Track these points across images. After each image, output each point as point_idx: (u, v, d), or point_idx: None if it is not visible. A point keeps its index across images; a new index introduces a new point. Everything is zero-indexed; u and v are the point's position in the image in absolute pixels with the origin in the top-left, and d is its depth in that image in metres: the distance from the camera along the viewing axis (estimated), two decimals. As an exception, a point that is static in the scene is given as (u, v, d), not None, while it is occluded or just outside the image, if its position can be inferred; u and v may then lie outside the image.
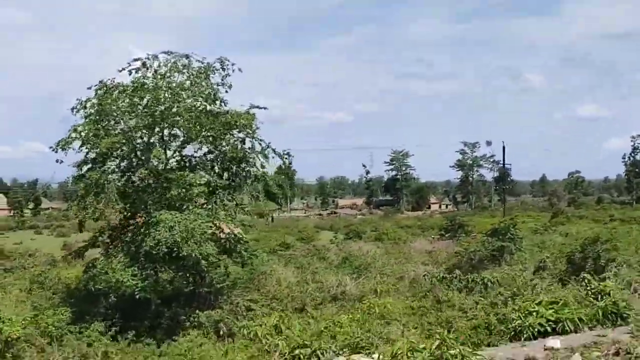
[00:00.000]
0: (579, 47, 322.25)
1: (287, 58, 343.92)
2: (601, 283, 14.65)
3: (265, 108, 25.50)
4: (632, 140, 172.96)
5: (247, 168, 25.67)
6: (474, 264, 31.22)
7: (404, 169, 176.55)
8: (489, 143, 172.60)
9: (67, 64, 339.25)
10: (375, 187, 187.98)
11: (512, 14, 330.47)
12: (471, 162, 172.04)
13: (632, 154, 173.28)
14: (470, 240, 45.48)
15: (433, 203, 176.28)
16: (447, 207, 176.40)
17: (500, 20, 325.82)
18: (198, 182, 22.88)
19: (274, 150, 25.62)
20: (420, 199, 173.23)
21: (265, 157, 25.19)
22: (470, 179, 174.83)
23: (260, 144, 25.12)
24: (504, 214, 72.71)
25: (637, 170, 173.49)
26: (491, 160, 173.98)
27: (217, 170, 25.81)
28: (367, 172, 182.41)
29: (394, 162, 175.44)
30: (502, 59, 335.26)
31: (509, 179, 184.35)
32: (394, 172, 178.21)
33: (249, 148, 24.92)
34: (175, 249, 21.34)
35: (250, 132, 24.62)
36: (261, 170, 25.33)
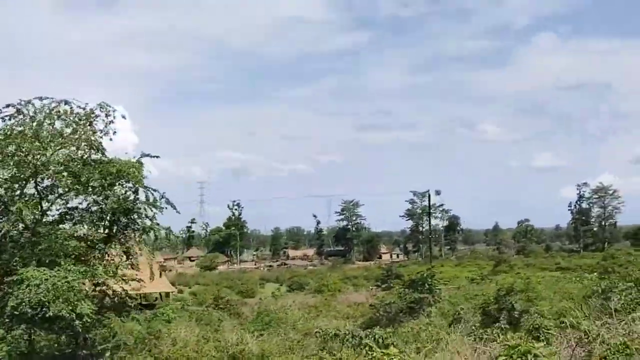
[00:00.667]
0: (533, 98, 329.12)
1: (249, 110, 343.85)
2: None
3: (157, 156, 24.22)
4: (577, 189, 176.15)
5: (138, 219, 24.02)
6: (391, 317, 29.96)
7: (354, 218, 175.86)
8: (438, 192, 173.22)
9: None
10: (326, 238, 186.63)
11: (468, 66, 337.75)
12: (420, 211, 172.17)
13: (578, 202, 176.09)
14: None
15: (384, 253, 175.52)
16: (397, 256, 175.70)
17: (456, 72, 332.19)
18: (72, 235, 21.18)
19: (167, 201, 24.19)
20: (371, 249, 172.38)
21: (156, 207, 23.66)
22: (421, 228, 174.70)
23: (151, 194, 23.70)
24: (431, 262, 72.25)
25: (583, 218, 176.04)
26: (440, 209, 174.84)
27: (105, 223, 24.09)
28: (318, 222, 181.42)
29: (345, 212, 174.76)
30: (458, 110, 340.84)
31: (458, 228, 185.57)
32: (344, 222, 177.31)
33: (136, 199, 23.35)
34: (42, 309, 19.51)
35: (138, 181, 23.11)
36: (150, 222, 23.61)
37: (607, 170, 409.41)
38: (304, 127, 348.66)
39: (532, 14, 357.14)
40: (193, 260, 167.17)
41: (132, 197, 23.61)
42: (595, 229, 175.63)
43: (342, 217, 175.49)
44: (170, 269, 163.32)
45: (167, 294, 59.46)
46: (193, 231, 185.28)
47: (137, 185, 23.46)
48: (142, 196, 23.96)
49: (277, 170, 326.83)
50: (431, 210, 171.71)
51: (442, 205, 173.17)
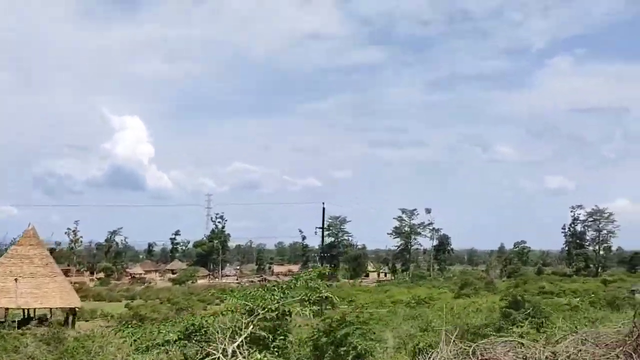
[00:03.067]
0: (547, 120, 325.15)
1: (265, 122, 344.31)
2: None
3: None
4: (571, 211, 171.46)
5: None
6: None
7: (340, 235, 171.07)
8: (428, 211, 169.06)
9: (41, 126, 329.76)
10: (311, 254, 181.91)
11: (484, 86, 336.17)
12: (408, 229, 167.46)
13: (572, 225, 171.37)
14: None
15: (371, 271, 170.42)
16: (385, 275, 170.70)
17: (471, 91, 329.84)
18: None
19: None
20: (358, 267, 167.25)
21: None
22: (410, 247, 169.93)
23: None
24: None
25: (577, 241, 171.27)
26: (430, 228, 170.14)
27: None
28: (304, 238, 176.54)
29: (331, 228, 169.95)
30: (471, 129, 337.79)
31: (449, 248, 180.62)
32: (331, 239, 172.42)
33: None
34: None
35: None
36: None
37: (621, 194, 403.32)
38: (317, 142, 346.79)
39: (550, 36, 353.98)
40: (175, 274, 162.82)
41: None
42: (589, 253, 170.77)
43: (328, 233, 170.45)
44: (150, 281, 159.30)
45: (73, 310, 53.97)
46: (177, 243, 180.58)
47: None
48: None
49: (289, 184, 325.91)
50: (419, 229, 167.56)
51: (431, 223, 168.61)
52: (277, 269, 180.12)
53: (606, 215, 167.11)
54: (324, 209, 68.60)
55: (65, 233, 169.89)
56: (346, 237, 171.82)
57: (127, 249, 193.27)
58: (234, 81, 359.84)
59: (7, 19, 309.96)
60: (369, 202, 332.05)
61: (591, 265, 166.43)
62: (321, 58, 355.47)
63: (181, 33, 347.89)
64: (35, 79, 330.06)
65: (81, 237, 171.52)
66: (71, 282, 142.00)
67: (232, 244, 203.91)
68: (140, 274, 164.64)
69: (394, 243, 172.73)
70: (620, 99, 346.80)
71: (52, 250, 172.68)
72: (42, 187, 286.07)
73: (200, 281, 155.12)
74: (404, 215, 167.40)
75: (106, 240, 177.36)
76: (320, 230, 69.45)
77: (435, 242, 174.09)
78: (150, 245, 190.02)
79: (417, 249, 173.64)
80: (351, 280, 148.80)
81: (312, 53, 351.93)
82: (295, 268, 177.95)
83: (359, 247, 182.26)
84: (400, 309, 46.49)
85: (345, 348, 15.01)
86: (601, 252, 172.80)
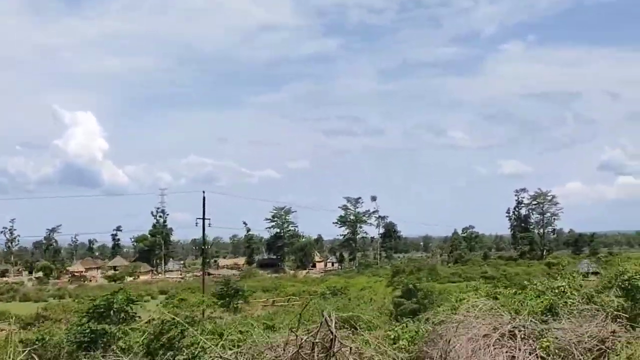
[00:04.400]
0: (500, 105, 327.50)
1: (219, 115, 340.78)
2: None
3: None
4: (515, 195, 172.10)
5: None
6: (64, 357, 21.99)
7: (286, 225, 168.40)
8: (373, 198, 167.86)
9: None
10: (256, 246, 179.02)
11: (437, 73, 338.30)
12: (354, 217, 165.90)
13: (516, 209, 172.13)
14: (247, 309, 37.35)
15: (318, 261, 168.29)
16: (333, 265, 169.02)
17: (423, 78, 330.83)
18: None
19: None
20: (304, 257, 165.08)
21: None
22: (356, 235, 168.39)
23: None
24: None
25: (522, 225, 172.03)
26: (376, 216, 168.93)
27: None
28: (248, 230, 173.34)
29: (276, 219, 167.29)
30: (425, 116, 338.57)
31: (396, 235, 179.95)
32: (276, 230, 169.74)
33: None
34: None
35: None
36: None
37: (573, 177, 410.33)
38: (273, 133, 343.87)
39: (500, 22, 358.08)
40: (117, 270, 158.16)
41: None
42: (534, 236, 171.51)
43: (274, 224, 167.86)
44: (90, 278, 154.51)
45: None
46: (118, 239, 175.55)
47: None
48: None
49: (246, 176, 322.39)
50: (365, 217, 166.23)
51: (376, 211, 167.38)
52: (222, 262, 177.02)
53: (549, 197, 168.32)
54: (204, 198, 64.60)
55: (1, 232, 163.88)
56: (291, 228, 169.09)
57: (76, 247, 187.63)
58: (187, 75, 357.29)
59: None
60: (325, 191, 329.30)
61: (536, 248, 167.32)
62: (274, 50, 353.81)
63: (131, 27, 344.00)
64: None
65: (18, 235, 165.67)
66: (7, 283, 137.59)
67: (187, 238, 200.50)
68: (81, 271, 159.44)
69: (340, 232, 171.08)
70: (571, 84, 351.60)
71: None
72: None
73: (142, 277, 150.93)
74: (348, 204, 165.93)
75: (45, 238, 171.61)
76: (201, 220, 64.70)
77: (381, 230, 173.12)
78: (90, 241, 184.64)
79: (362, 237, 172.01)
80: (293, 272, 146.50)
81: (264, 45, 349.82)
82: (240, 261, 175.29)
83: (314, 237, 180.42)
84: (304, 302, 44.15)
85: (173, 352, 12.90)
86: (552, 235, 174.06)
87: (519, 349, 9.52)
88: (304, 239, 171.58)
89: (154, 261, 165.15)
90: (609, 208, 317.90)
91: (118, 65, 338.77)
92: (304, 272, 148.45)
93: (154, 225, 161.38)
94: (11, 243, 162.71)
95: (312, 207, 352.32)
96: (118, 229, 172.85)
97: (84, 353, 20.28)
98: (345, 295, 50.55)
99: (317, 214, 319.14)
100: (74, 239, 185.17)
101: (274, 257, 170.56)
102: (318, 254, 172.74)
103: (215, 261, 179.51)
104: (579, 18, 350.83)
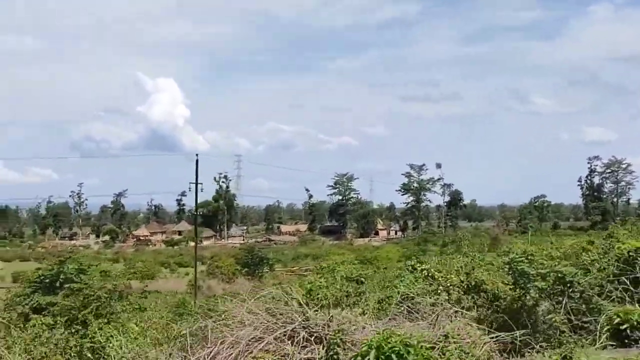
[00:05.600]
0: (585, 69, 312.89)
1: (296, 81, 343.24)
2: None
3: None
4: (588, 163, 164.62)
5: None
6: None
7: (348, 193, 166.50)
8: (438, 165, 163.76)
9: (71, 90, 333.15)
10: (319, 212, 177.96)
11: (518, 36, 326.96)
12: (417, 185, 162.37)
13: (589, 177, 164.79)
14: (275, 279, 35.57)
15: (381, 229, 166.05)
16: (396, 233, 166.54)
17: (505, 42, 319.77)
18: None
19: None
20: (367, 225, 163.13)
21: None
22: (420, 203, 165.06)
23: None
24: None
25: (594, 194, 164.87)
26: (441, 183, 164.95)
27: None
28: (310, 197, 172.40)
29: (338, 186, 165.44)
30: (507, 81, 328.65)
31: (461, 204, 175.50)
32: (339, 197, 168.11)
33: None
34: None
35: None
36: None
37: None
38: (349, 99, 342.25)
39: None
40: (181, 235, 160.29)
41: None
42: (607, 205, 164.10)
43: (335, 191, 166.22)
44: (155, 242, 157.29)
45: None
46: (184, 204, 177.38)
47: None
48: None
49: (323, 142, 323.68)
50: (428, 185, 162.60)
51: (440, 179, 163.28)
52: (285, 228, 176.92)
53: (624, 166, 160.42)
54: (197, 161, 61.80)
55: (70, 196, 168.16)
56: (354, 195, 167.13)
57: (151, 210, 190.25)
58: (265, 41, 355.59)
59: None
60: (402, 158, 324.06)
61: (609, 219, 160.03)
62: (351, 15, 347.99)
63: None
64: (65, 46, 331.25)
65: (86, 199, 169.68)
66: (75, 246, 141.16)
67: (257, 203, 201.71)
68: (146, 235, 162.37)
69: (401, 200, 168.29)
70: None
71: (55, 214, 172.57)
72: (80, 152, 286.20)
73: (205, 242, 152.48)
74: (412, 171, 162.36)
75: (112, 202, 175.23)
76: (195, 185, 61.75)
77: (447, 198, 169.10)
78: (156, 207, 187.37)
79: (426, 205, 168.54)
80: (351, 239, 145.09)
81: (342, 10, 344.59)
82: (303, 227, 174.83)
83: (386, 205, 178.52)
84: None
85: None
86: (627, 205, 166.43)
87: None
88: (367, 206, 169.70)
89: (217, 226, 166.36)
90: None
91: (198, 33, 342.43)
92: (365, 240, 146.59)
93: (216, 191, 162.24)
94: (79, 207, 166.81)
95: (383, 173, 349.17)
96: (183, 194, 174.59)
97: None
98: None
99: (392, 180, 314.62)
100: (149, 203, 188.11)
101: (337, 224, 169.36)
102: (381, 221, 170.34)
103: (278, 227, 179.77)
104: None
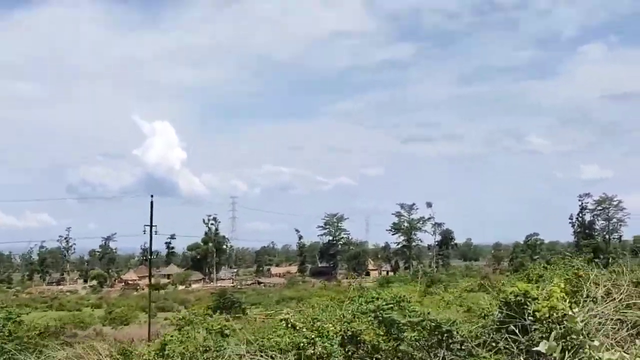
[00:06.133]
0: (579, 108, 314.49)
1: (293, 123, 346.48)
2: None
3: None
4: (579, 200, 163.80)
5: None
6: None
7: (338, 233, 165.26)
8: (429, 205, 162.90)
9: (69, 134, 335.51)
10: (311, 254, 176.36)
11: (513, 77, 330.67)
12: (408, 224, 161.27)
13: (580, 215, 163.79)
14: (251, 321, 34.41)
15: (372, 269, 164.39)
16: (387, 273, 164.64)
17: (502, 83, 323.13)
18: None
19: None
20: (357, 265, 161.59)
21: None
22: (411, 243, 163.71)
23: None
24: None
25: (586, 231, 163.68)
26: (432, 222, 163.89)
27: None
28: (300, 238, 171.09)
29: (328, 227, 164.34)
30: (505, 121, 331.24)
31: (452, 243, 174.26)
32: (329, 237, 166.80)
33: None
34: None
35: None
36: None
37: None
38: (348, 141, 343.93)
39: (580, 24, 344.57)
40: (170, 278, 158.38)
41: None
42: (600, 243, 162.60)
43: (325, 231, 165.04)
44: (143, 287, 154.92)
45: None
46: (172, 247, 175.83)
47: None
48: None
49: (321, 184, 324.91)
50: (419, 224, 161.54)
51: (431, 218, 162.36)
52: (275, 270, 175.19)
53: (615, 203, 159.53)
54: (152, 202, 60.69)
55: (58, 240, 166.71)
56: (344, 235, 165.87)
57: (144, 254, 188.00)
58: (261, 85, 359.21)
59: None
60: (400, 198, 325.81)
61: (601, 256, 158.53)
62: (348, 56, 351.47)
63: (206, 39, 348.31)
64: (64, 89, 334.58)
65: (74, 243, 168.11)
66: (62, 291, 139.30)
67: (252, 245, 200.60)
68: (134, 280, 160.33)
69: (395, 240, 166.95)
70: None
71: (43, 260, 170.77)
72: (77, 195, 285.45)
73: (194, 285, 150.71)
74: (402, 211, 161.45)
75: (100, 247, 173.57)
76: (149, 228, 60.25)
77: (438, 238, 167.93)
78: (144, 250, 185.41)
79: (417, 245, 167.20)
80: (341, 279, 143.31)
81: (338, 52, 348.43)
82: (294, 269, 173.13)
83: (381, 245, 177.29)
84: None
85: None
86: (618, 242, 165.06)
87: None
88: (359, 246, 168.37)
89: (207, 269, 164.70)
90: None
91: (194, 76, 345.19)
92: (353, 281, 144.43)
93: (205, 233, 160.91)
94: (67, 251, 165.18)
95: (380, 213, 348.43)
96: (172, 237, 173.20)
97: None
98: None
99: (387, 220, 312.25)
100: (142, 247, 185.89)
101: (328, 265, 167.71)
102: (372, 261, 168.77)
103: (268, 269, 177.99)
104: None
